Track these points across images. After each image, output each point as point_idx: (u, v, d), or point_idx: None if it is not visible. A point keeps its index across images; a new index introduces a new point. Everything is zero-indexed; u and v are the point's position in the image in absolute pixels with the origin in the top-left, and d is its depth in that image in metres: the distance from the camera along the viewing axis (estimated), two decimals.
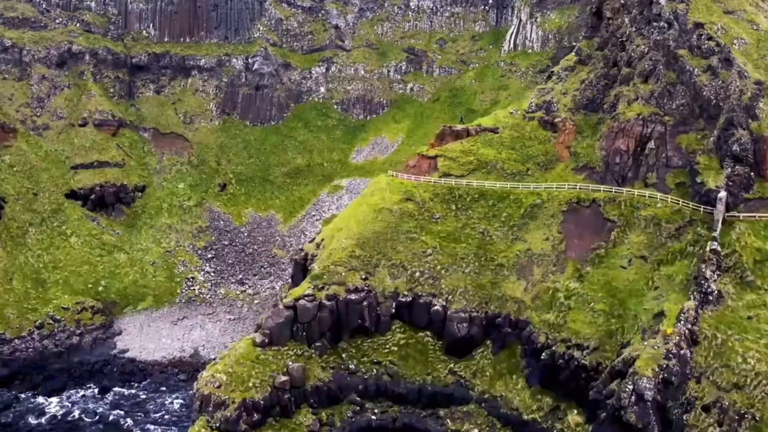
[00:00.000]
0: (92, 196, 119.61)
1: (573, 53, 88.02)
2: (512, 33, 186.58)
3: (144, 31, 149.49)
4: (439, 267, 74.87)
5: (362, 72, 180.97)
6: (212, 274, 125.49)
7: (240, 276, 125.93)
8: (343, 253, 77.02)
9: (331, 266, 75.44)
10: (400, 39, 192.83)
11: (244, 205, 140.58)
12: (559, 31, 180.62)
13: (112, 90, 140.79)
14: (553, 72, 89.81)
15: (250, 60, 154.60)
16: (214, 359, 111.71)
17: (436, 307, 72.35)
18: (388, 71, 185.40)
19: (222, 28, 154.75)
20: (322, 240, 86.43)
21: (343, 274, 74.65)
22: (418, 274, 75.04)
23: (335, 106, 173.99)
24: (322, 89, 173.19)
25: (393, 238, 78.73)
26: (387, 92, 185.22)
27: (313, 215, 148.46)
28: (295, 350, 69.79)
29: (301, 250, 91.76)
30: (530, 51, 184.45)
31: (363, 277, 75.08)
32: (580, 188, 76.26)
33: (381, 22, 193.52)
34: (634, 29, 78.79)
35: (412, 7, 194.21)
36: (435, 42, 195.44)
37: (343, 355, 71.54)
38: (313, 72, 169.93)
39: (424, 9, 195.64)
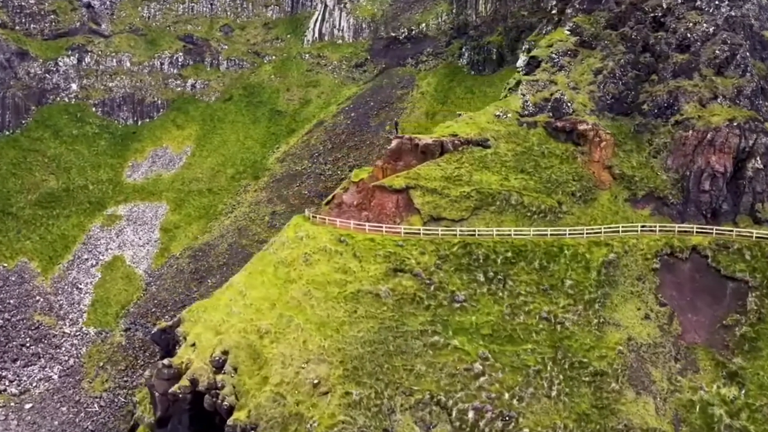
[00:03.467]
0: None
1: (566, 32, 61.61)
2: (316, 21, 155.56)
3: None
4: (506, 395, 41.61)
5: (128, 64, 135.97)
6: None
7: None
8: (333, 403, 38.49)
9: None
10: (173, 24, 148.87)
11: None
12: (373, 19, 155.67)
13: None
14: (536, 58, 62.29)
15: None
16: None
17: None
18: (162, 64, 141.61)
19: None
20: (225, 355, 46.08)
21: None
22: (472, 414, 40.68)
23: (94, 109, 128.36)
24: (75, 86, 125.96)
25: (401, 348, 42.78)
26: (162, 90, 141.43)
27: (86, 259, 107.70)
28: None
29: (171, 368, 49.47)
30: (341, 42, 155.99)
31: None
32: (660, 231, 50.20)
33: (147, 3, 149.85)
34: (680, 1, 55.33)
35: None
36: (218, 29, 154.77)
37: None
38: (61, 64, 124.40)
39: None
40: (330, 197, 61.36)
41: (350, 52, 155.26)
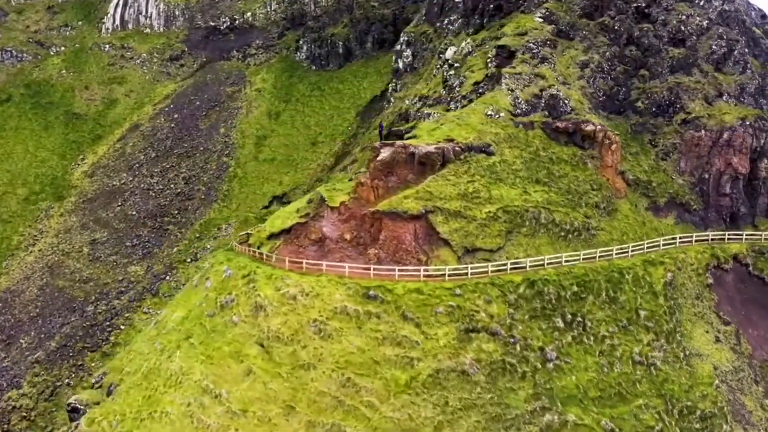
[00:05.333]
0: None
1: (538, 19, 54.12)
2: (117, 5, 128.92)
3: None
4: None
5: None
6: None
7: None
8: None
9: None
10: None
11: None
12: (188, 6, 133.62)
13: None
14: (505, 47, 53.69)
15: None
16: None
17: None
18: None
19: None
20: None
21: None
22: None
23: None
24: None
25: None
26: None
27: None
28: None
29: None
30: (149, 31, 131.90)
31: None
32: (697, 240, 45.48)
33: None
34: None
35: None
36: None
37: None
38: None
39: None
40: (281, 227, 45.57)
41: (162, 43, 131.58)
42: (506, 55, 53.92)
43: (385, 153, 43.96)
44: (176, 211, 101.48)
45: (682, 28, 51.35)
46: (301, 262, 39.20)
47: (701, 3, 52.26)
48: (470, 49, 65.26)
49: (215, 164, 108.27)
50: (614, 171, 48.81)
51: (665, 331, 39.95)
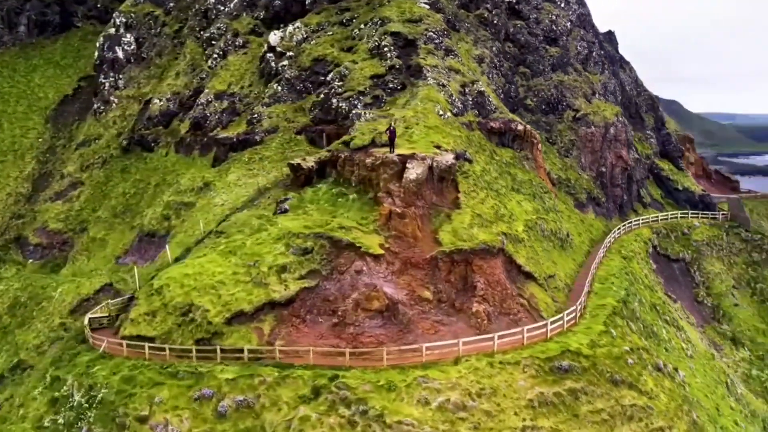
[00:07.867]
0: None
1: (424, 5, 48.79)
2: None
3: None
4: None
5: None
6: None
7: None
8: None
9: None
10: None
11: None
12: None
13: None
14: (401, 35, 46.59)
15: None
16: None
17: None
18: None
19: None
20: None
21: None
22: None
23: None
24: None
25: None
26: None
27: None
28: None
29: None
30: None
31: None
32: (624, 231, 49.25)
33: None
34: None
35: None
36: None
37: None
38: None
39: None
40: (259, 300, 29.33)
41: None
42: (402, 45, 46.50)
43: (416, 169, 32.56)
44: None
45: (554, 27, 53.30)
46: (419, 349, 25.80)
47: (562, 4, 55.15)
48: (304, 35, 54.71)
49: None
50: (544, 171, 47.77)
51: (674, 320, 41.53)
